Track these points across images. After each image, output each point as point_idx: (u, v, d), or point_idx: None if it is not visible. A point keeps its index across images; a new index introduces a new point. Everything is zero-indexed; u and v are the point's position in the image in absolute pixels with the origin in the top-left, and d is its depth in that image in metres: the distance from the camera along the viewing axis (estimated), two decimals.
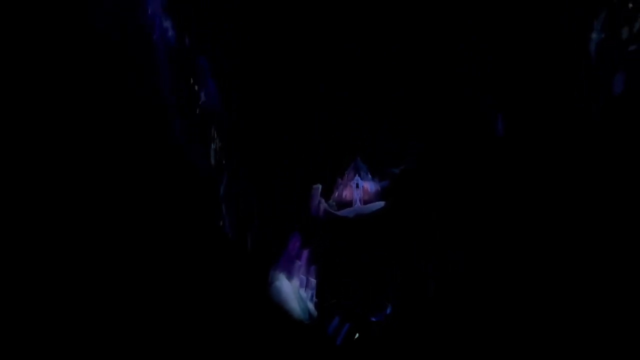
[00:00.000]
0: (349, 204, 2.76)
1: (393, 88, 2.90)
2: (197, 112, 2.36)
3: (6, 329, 1.64)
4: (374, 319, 2.47)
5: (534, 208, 2.27)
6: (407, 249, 2.62)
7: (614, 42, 2.19)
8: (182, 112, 2.22)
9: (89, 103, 1.81)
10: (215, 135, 2.48)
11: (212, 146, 2.45)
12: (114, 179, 1.85)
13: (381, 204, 2.73)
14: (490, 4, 2.64)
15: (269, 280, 2.37)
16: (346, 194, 2.79)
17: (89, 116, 1.81)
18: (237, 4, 2.73)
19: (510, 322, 2.15)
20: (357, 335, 2.40)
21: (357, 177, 2.79)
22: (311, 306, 2.44)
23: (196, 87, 2.36)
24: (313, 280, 2.48)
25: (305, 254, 2.47)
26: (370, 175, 2.82)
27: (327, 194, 2.82)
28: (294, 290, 2.38)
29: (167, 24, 2.16)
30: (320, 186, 2.78)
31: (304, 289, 2.44)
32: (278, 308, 2.33)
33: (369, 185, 2.79)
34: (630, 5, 2.12)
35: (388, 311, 2.49)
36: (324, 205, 2.75)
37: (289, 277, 2.39)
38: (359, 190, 2.76)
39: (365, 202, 2.75)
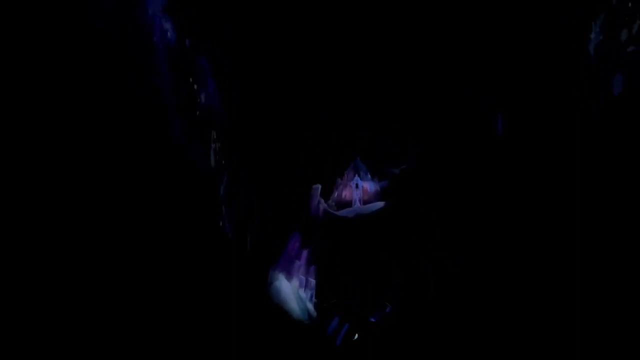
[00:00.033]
0: (348, 204, 2.75)
1: (393, 88, 2.90)
2: (197, 112, 2.36)
3: (6, 329, 1.65)
4: (373, 319, 2.46)
5: (534, 208, 2.27)
6: (407, 249, 2.62)
7: (613, 43, 2.19)
8: (182, 112, 2.22)
9: (89, 103, 1.81)
10: (215, 135, 2.48)
11: (212, 146, 2.45)
12: (114, 179, 1.85)
13: (381, 204, 2.72)
14: (490, 4, 2.64)
15: (268, 280, 2.37)
16: (346, 194, 2.78)
17: (89, 116, 1.81)
18: (237, 4, 2.73)
19: (510, 322, 2.15)
20: (356, 335, 2.40)
21: (356, 177, 2.78)
22: (311, 306, 2.44)
23: (196, 87, 2.36)
24: (312, 281, 2.48)
25: (304, 254, 2.47)
26: (370, 176, 2.82)
27: (326, 194, 2.81)
28: (293, 291, 2.38)
29: (167, 24, 2.16)
30: (320, 186, 2.77)
31: (303, 289, 2.44)
32: (277, 308, 2.33)
33: (368, 186, 2.78)
34: (629, 6, 2.13)
35: (388, 311, 2.49)
36: (323, 205, 2.75)
37: (289, 277, 2.39)
38: (359, 190, 2.76)
39: (365, 202, 2.74)
